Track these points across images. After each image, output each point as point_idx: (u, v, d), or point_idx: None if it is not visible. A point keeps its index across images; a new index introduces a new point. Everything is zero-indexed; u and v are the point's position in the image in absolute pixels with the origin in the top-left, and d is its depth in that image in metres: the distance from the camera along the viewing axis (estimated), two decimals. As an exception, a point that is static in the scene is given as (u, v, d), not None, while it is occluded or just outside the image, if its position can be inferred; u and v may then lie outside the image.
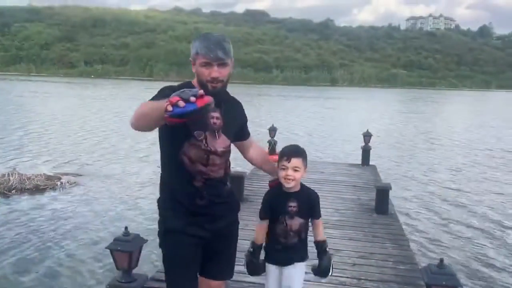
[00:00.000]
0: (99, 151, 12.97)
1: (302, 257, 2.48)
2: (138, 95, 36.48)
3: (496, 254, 6.33)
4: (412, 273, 4.07)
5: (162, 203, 2.20)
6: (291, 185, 2.36)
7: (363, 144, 9.35)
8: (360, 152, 9.24)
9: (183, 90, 1.61)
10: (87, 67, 77.34)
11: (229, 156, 2.23)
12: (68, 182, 9.25)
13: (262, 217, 2.43)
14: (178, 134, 2.05)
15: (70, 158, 11.68)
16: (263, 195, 2.47)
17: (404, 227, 5.78)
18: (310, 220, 2.46)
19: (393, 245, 4.72)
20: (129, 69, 77.68)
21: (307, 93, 45.93)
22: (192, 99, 1.56)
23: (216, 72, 2.03)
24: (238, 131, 2.32)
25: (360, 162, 9.18)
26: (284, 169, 2.34)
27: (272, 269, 2.50)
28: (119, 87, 45.68)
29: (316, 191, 2.50)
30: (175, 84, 2.21)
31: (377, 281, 3.85)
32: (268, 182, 2.52)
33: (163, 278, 3.63)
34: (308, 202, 2.41)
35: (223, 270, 2.33)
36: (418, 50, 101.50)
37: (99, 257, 5.62)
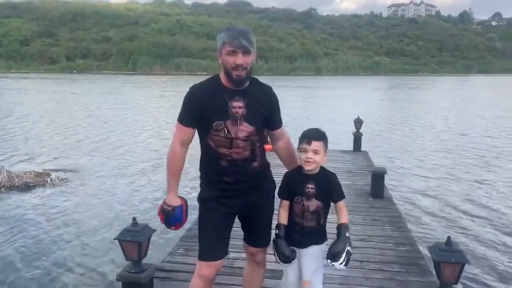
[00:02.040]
0: (86, 146, 12.81)
1: (319, 240, 2.52)
2: (119, 89, 36.19)
3: (489, 231, 6.49)
4: (412, 253, 4.15)
5: (200, 178, 2.50)
6: (310, 168, 2.39)
7: (354, 130, 9.44)
8: (349, 138, 9.32)
9: (167, 216, 2.41)
10: (68, 62, 76.03)
11: (256, 138, 2.37)
12: (58, 178, 9.11)
13: (280, 196, 2.51)
14: (204, 124, 2.34)
15: (57, 155, 11.50)
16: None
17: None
18: (330, 203, 2.48)
19: (391, 228, 4.80)
20: (112, 63, 76.62)
21: (292, 82, 45.96)
22: (172, 228, 2.48)
23: (240, 59, 2.21)
24: (267, 118, 2.44)
25: (351, 148, 9.27)
26: (304, 151, 2.38)
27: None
28: (97, 82, 44.98)
29: None
30: (203, 79, 2.46)
31: (379, 263, 3.91)
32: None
33: (171, 268, 3.70)
34: (326, 185, 2.44)
35: (258, 239, 2.58)
36: (400, 37, 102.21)
37: (101, 250, 5.63)
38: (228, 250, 2.53)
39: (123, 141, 13.80)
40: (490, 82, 56.82)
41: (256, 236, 2.57)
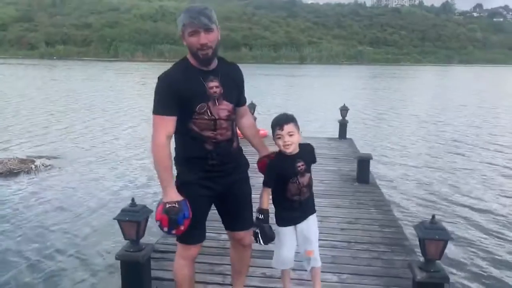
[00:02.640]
0: (68, 133, 12.73)
1: (313, 209, 2.71)
2: (100, 75, 35.67)
3: (468, 212, 6.81)
4: (397, 235, 4.33)
5: (179, 162, 2.43)
6: (290, 150, 2.53)
7: (339, 118, 9.58)
8: (334, 126, 9.48)
9: (176, 213, 2.21)
10: (48, 48, 74.25)
11: (234, 117, 2.44)
12: (42, 164, 9.09)
13: (268, 185, 2.58)
14: (184, 110, 2.28)
15: (40, 142, 11.41)
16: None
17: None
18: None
19: (377, 211, 4.98)
20: (93, 50, 75.12)
21: (277, 71, 46.01)
22: (173, 232, 2.27)
23: (203, 38, 2.20)
24: (239, 95, 2.48)
25: (337, 136, 9.44)
26: (280, 137, 2.51)
27: (287, 232, 2.67)
28: (77, 68, 44.22)
29: None
30: (171, 64, 2.42)
31: (366, 243, 4.08)
32: (256, 162, 2.66)
33: (165, 249, 3.79)
34: (309, 157, 2.64)
35: (241, 220, 2.58)
36: (384, 27, 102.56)
37: (95, 232, 5.77)
38: (219, 232, 2.60)
39: (106, 128, 13.79)
40: (471, 73, 57.75)
41: (239, 218, 2.57)
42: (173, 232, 2.27)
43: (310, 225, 2.70)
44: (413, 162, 10.09)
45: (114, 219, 2.85)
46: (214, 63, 2.34)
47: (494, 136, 13.66)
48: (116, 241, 5.12)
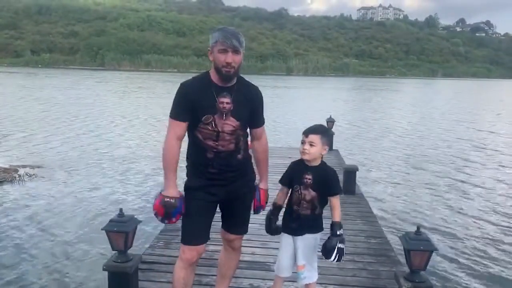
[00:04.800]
0: (50, 142, 12.57)
1: (314, 230, 2.71)
2: (83, 84, 35.43)
3: (453, 223, 6.89)
4: (382, 245, 4.37)
5: (187, 168, 2.62)
6: (306, 158, 2.61)
7: (325, 129, 9.67)
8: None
9: (171, 207, 2.42)
10: (33, 56, 73.61)
11: (241, 133, 2.54)
12: (26, 174, 8.96)
13: (282, 183, 2.73)
14: (193, 118, 2.47)
15: (22, 151, 11.23)
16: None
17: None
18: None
19: (363, 222, 5.02)
20: (79, 58, 74.74)
21: (263, 82, 46.27)
22: (165, 222, 2.50)
23: (230, 57, 2.39)
24: (252, 115, 2.59)
25: (323, 147, 9.51)
26: (302, 143, 2.62)
27: (285, 238, 2.74)
28: (59, 77, 43.90)
29: None
30: (192, 76, 2.61)
31: (352, 254, 4.11)
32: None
33: (152, 260, 3.78)
34: (323, 177, 2.62)
35: (237, 226, 2.75)
36: (369, 40, 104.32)
37: (82, 241, 5.69)
38: (207, 243, 2.65)
39: (88, 136, 13.72)
40: (454, 86, 58.88)
41: (235, 224, 2.73)
42: (166, 222, 2.50)
43: (305, 242, 2.70)
44: (399, 174, 10.23)
45: (102, 229, 2.84)
46: (233, 82, 2.50)
47: (477, 149, 13.95)
48: (103, 252, 5.08)
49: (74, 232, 6.09)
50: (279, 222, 2.78)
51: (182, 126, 2.47)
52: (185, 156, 2.59)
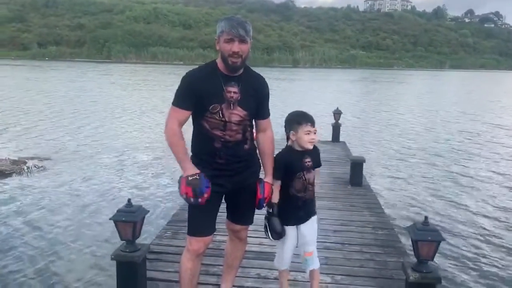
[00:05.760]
0: (57, 134, 12.66)
1: (315, 210, 2.80)
2: (90, 76, 35.53)
3: (460, 214, 6.88)
4: (389, 237, 4.37)
5: (192, 158, 2.55)
6: (311, 147, 2.66)
7: (331, 121, 9.65)
8: (327, 129, 9.55)
9: (198, 183, 2.34)
10: (40, 49, 73.76)
11: (248, 123, 2.53)
12: (34, 166, 9.04)
13: (277, 177, 2.67)
14: (199, 108, 2.44)
15: (29, 143, 11.31)
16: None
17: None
18: None
19: (370, 213, 5.03)
20: (86, 51, 74.78)
21: (270, 74, 46.14)
22: (199, 200, 2.36)
23: (236, 47, 2.35)
24: (258, 106, 2.57)
25: (330, 139, 9.49)
26: (308, 133, 2.62)
27: (289, 231, 2.72)
28: (66, 70, 44.04)
29: None
30: (180, 68, 2.63)
31: (359, 245, 4.12)
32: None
33: (160, 250, 3.80)
34: (316, 155, 2.76)
35: (243, 216, 2.73)
36: (376, 31, 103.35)
37: (91, 232, 5.75)
38: (214, 234, 2.65)
39: (96, 128, 13.80)
40: (462, 78, 58.35)
41: (242, 214, 2.71)
42: (199, 200, 2.38)
43: (311, 226, 2.77)
44: (406, 165, 10.19)
45: (110, 219, 2.86)
46: (240, 71, 2.47)
47: (487, 141, 13.83)
48: (112, 242, 5.12)
49: (81, 223, 6.16)
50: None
51: (185, 114, 2.45)
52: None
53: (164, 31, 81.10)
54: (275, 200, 2.67)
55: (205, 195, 2.37)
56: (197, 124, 2.50)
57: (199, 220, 2.53)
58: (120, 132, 13.35)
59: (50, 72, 40.68)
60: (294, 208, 2.69)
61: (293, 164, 2.66)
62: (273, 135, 2.73)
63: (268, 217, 2.66)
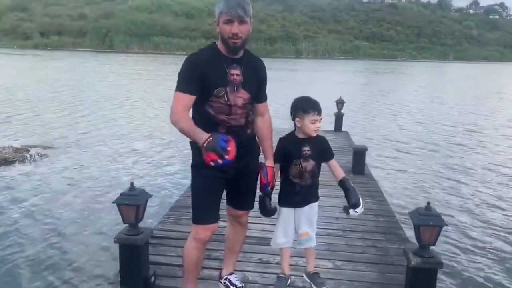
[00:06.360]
0: (60, 122, 12.68)
1: (314, 198, 2.81)
2: (91, 65, 35.50)
3: (460, 202, 6.91)
4: (391, 224, 4.39)
5: (193, 144, 2.47)
6: (314, 134, 2.66)
7: (334, 111, 9.63)
8: (329, 119, 9.53)
9: (215, 142, 2.10)
10: (42, 38, 73.59)
11: (250, 107, 2.49)
12: (37, 154, 9.07)
13: (276, 161, 2.69)
14: (203, 91, 2.37)
15: (32, 131, 11.34)
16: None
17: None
18: (323, 163, 2.77)
19: (372, 201, 5.04)
20: (88, 41, 74.57)
21: (273, 64, 45.94)
22: (226, 157, 2.10)
23: (236, 28, 2.30)
24: (258, 89, 2.54)
25: (333, 129, 9.49)
26: (314, 122, 2.63)
27: (286, 212, 2.78)
28: (67, 59, 43.99)
29: None
30: (183, 58, 2.49)
31: (361, 232, 4.14)
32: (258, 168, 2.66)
33: (163, 235, 3.83)
34: (319, 146, 2.72)
35: (245, 202, 2.72)
36: (380, 22, 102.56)
37: (94, 216, 5.84)
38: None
39: (98, 116, 13.82)
40: (465, 69, 58.02)
41: (243, 200, 2.71)
42: (227, 158, 2.12)
43: (309, 211, 2.80)
44: (408, 155, 10.21)
45: (113, 202, 2.87)
46: (240, 53, 2.43)
47: (488, 132, 13.82)
48: (115, 225, 5.16)
49: (84, 208, 6.22)
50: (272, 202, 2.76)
51: (191, 99, 2.36)
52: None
53: (167, 21, 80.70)
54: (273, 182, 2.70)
55: (229, 149, 2.13)
56: (200, 110, 2.43)
57: (205, 208, 2.50)
58: (122, 120, 13.39)
59: (52, 61, 40.60)
60: (292, 192, 2.73)
61: (291, 151, 2.68)
62: (270, 119, 2.72)
63: (260, 195, 2.70)
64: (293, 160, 2.68)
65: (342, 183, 2.73)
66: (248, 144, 2.55)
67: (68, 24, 78.46)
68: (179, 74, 2.38)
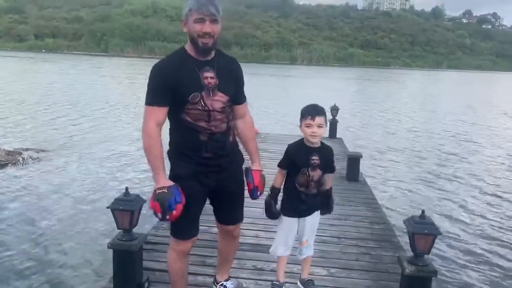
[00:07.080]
0: (52, 126, 12.62)
1: (318, 207, 2.80)
2: (84, 69, 35.37)
3: (454, 210, 6.94)
4: (385, 231, 4.39)
5: (171, 155, 2.37)
6: (315, 140, 2.61)
7: (330, 117, 9.65)
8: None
9: (166, 198, 2.12)
10: (37, 41, 73.30)
11: (230, 110, 2.38)
12: (30, 157, 9.01)
13: (282, 167, 2.69)
14: (177, 100, 2.22)
15: (24, 135, 11.27)
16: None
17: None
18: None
19: (366, 208, 5.04)
20: (83, 44, 74.39)
21: (267, 70, 46.05)
22: (167, 217, 2.17)
23: (208, 27, 2.17)
24: (236, 90, 2.41)
25: (327, 135, 9.50)
26: (309, 126, 2.58)
27: (287, 221, 2.75)
28: (60, 62, 43.85)
29: None
30: (166, 55, 2.36)
31: (355, 239, 4.13)
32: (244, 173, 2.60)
33: (156, 240, 3.80)
34: (327, 157, 2.70)
35: (234, 216, 2.61)
36: (375, 30, 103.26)
37: (87, 221, 5.80)
38: (210, 225, 2.62)
39: (91, 120, 13.80)
40: (459, 78, 58.52)
41: (232, 214, 2.59)
42: (167, 218, 2.18)
43: (313, 220, 2.81)
44: (402, 162, 10.27)
45: (107, 208, 2.85)
46: (211, 54, 2.29)
47: (479, 140, 13.92)
48: (108, 230, 5.13)
49: (77, 213, 6.19)
50: (278, 206, 2.77)
51: (163, 111, 2.21)
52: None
53: (162, 25, 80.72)
54: (277, 185, 2.72)
55: (174, 212, 2.14)
56: (176, 119, 2.28)
57: (184, 222, 2.32)
58: (116, 124, 13.37)
59: (45, 64, 40.42)
60: (297, 201, 2.70)
61: (299, 158, 2.63)
62: (252, 120, 2.61)
63: (266, 199, 2.71)
64: (301, 169, 2.63)
65: (327, 191, 2.78)
66: (231, 153, 2.43)
67: (63, 27, 78.29)
68: (148, 85, 2.23)
